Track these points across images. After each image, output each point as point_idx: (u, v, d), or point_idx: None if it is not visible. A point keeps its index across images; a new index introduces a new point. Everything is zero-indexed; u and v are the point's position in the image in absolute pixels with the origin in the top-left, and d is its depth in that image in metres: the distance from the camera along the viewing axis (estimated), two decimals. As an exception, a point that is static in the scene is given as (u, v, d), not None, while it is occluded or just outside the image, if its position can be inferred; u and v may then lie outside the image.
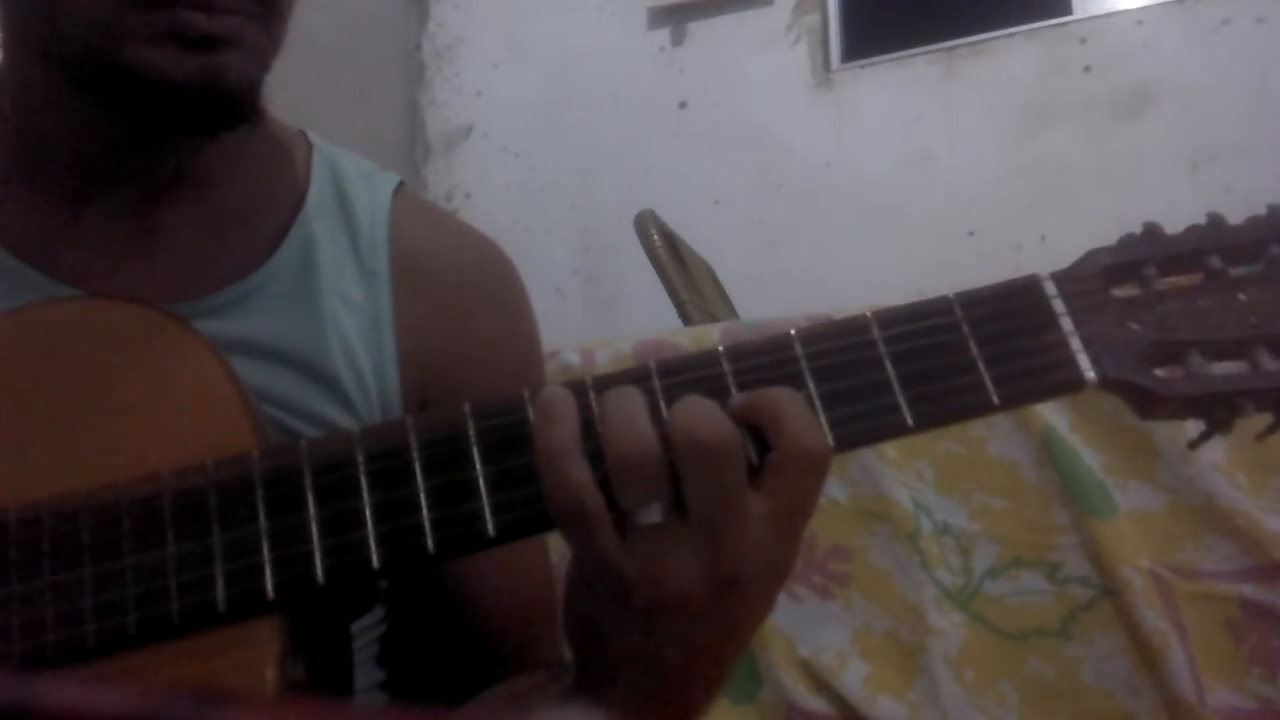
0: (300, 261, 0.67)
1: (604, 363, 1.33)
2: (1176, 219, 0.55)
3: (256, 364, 0.63)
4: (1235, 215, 0.54)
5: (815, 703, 1.20)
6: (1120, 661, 1.12)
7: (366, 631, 0.70)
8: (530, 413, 0.49)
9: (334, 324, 0.66)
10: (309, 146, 0.73)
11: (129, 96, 0.59)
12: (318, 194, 0.70)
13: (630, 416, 0.46)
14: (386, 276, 0.69)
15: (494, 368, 0.71)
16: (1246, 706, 1.07)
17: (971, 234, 2.92)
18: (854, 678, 1.19)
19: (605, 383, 0.50)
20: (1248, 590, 1.10)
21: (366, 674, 0.71)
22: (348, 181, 0.71)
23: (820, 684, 1.20)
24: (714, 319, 1.84)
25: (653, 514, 0.46)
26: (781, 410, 0.47)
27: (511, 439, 0.49)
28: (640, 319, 2.04)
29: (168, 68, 0.57)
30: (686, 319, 1.83)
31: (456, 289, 0.71)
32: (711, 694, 0.52)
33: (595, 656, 0.50)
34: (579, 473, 0.46)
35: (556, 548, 0.71)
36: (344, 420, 0.66)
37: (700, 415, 0.46)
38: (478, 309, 0.71)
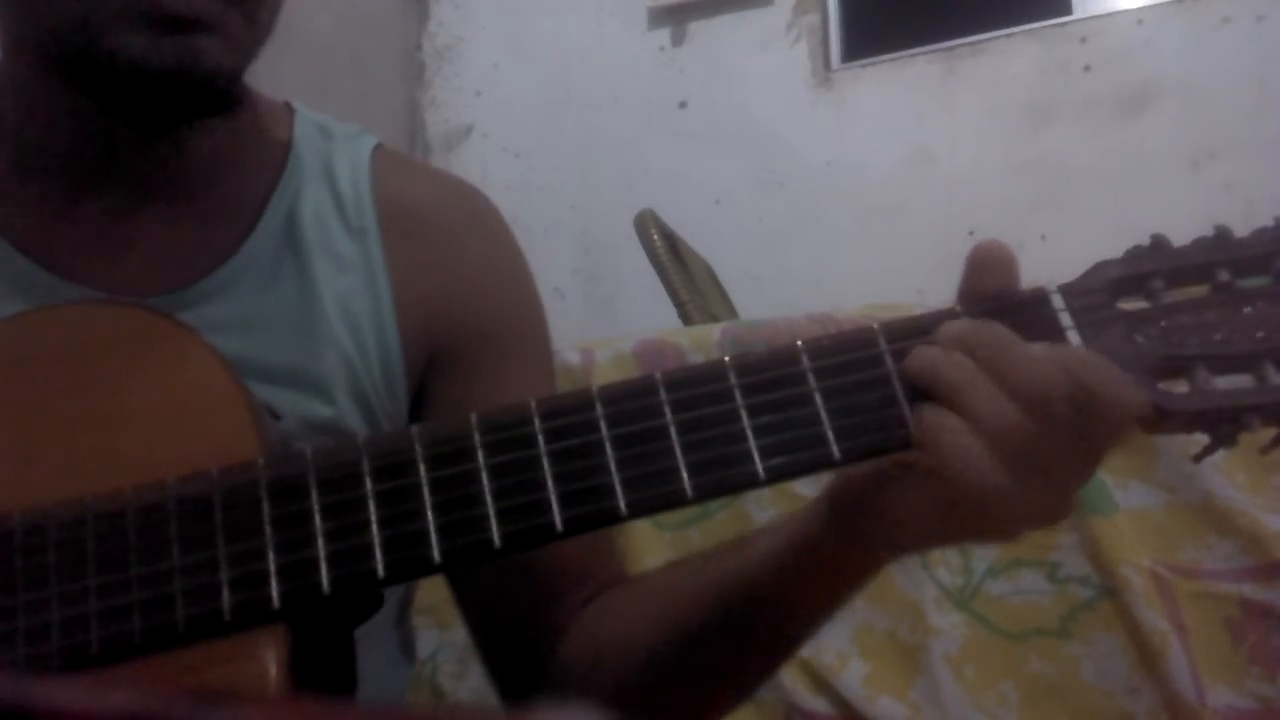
0: (284, 230, 0.67)
1: (604, 362, 1.32)
2: (1177, 217, 0.55)
3: (255, 338, 0.63)
4: (1236, 213, 0.54)
5: (815, 702, 1.20)
6: (1120, 661, 1.12)
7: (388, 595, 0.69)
8: (536, 424, 0.49)
9: (328, 285, 0.67)
10: (291, 113, 0.73)
11: (108, 83, 0.59)
12: (301, 160, 0.70)
13: (997, 399, 0.48)
14: (375, 231, 0.69)
15: (494, 300, 0.71)
16: (1246, 706, 1.07)
17: (972, 233, 2.91)
18: (854, 677, 1.19)
19: (611, 394, 0.50)
20: (1247, 590, 1.10)
21: (382, 653, 0.70)
22: (330, 144, 0.72)
23: (820, 683, 1.20)
24: (714, 319, 1.84)
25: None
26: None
27: (517, 448, 0.49)
28: (640, 319, 2.03)
29: (142, 50, 0.57)
30: (686, 319, 1.83)
31: (443, 232, 0.71)
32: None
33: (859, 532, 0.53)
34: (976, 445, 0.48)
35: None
36: (347, 381, 0.65)
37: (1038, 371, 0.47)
38: (467, 247, 0.72)
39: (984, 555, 1.19)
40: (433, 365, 0.69)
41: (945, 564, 1.20)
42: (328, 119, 0.74)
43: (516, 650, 0.69)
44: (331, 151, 0.71)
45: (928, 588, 1.19)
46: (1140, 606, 1.10)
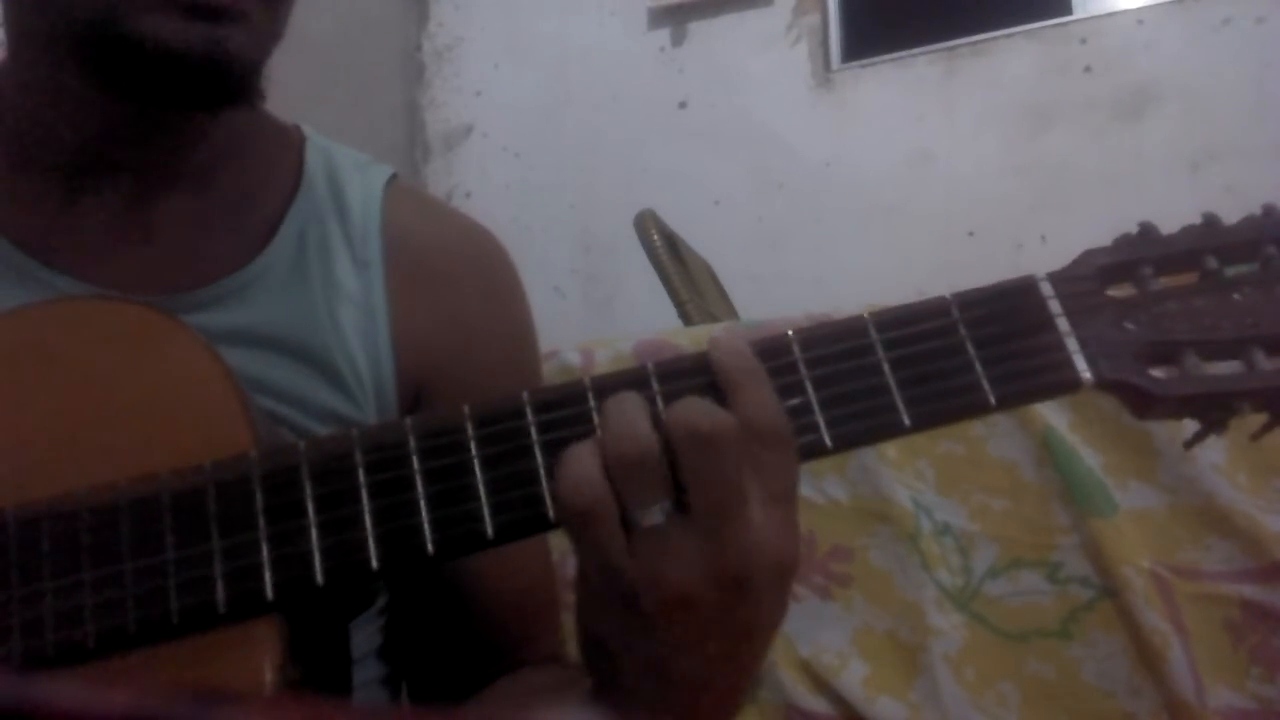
0: (295, 252, 0.68)
1: (604, 363, 1.32)
2: (1177, 219, 0.55)
3: (254, 354, 0.64)
4: (1235, 216, 0.54)
5: (815, 703, 1.20)
6: (1121, 662, 1.12)
7: (368, 624, 0.70)
8: (529, 416, 0.49)
9: (328, 312, 0.67)
10: (303, 139, 0.73)
11: (132, 69, 0.59)
12: (311, 185, 0.70)
13: (629, 418, 0.46)
14: (379, 265, 0.69)
15: (488, 351, 0.71)
16: (1246, 706, 1.07)
17: (972, 234, 2.92)
18: (854, 678, 1.19)
19: (604, 385, 0.50)
20: (1248, 591, 1.10)
21: (368, 669, 0.71)
22: (341, 173, 0.72)
23: (820, 684, 1.20)
24: (714, 319, 1.84)
25: (655, 515, 0.45)
26: (735, 381, 0.48)
27: (510, 440, 0.49)
28: (640, 319, 2.03)
29: (170, 35, 0.57)
30: (686, 319, 1.83)
31: (448, 275, 0.71)
32: (733, 703, 0.50)
33: (606, 670, 0.50)
34: (587, 468, 0.46)
35: (557, 546, 0.71)
36: (342, 406, 0.66)
37: (697, 408, 0.46)
38: (470, 294, 0.72)
39: (984, 556, 1.19)
40: (419, 402, 0.70)
41: (945, 565, 1.20)
42: (336, 145, 0.74)
43: (437, 690, 0.70)
44: (341, 179, 0.71)
45: (928, 588, 1.19)
46: (1141, 607, 1.10)
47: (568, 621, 0.73)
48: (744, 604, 0.46)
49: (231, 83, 0.60)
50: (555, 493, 0.46)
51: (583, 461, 0.46)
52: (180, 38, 0.57)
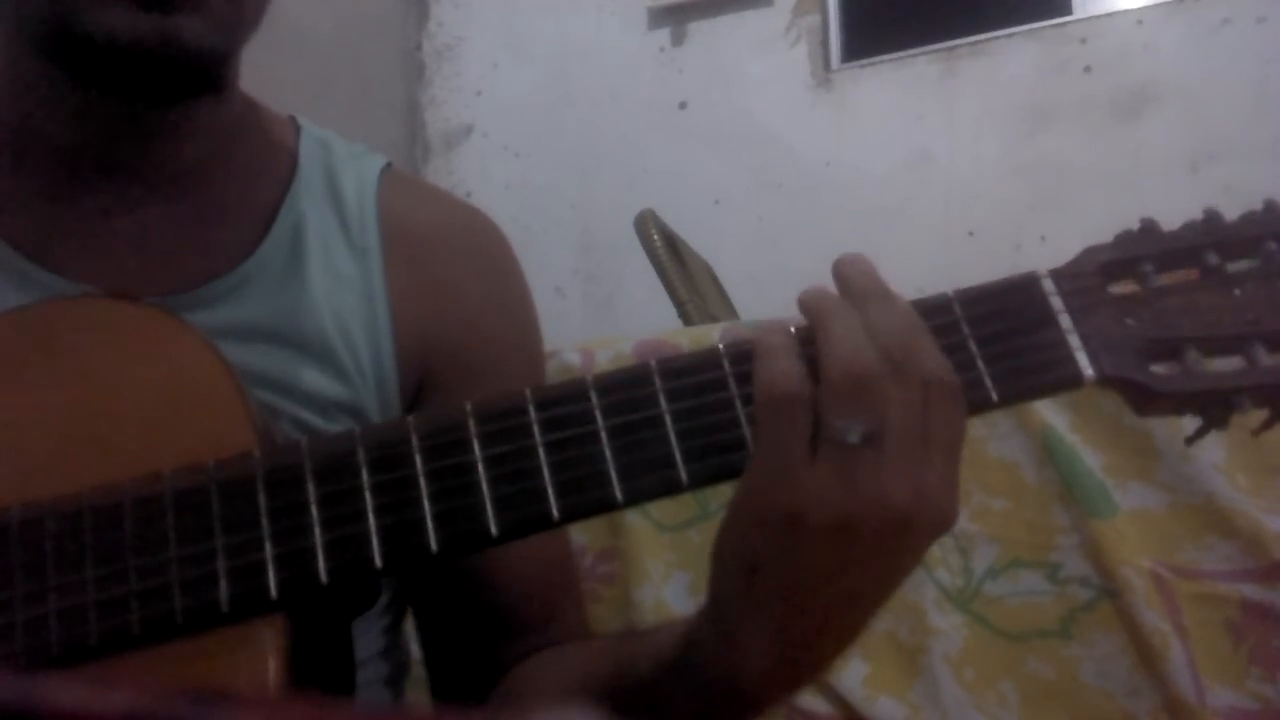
0: (291, 243, 0.67)
1: (604, 363, 1.32)
2: (1176, 219, 0.55)
3: (255, 348, 0.63)
4: (1236, 215, 0.54)
5: (815, 703, 1.20)
6: (1120, 662, 1.12)
7: (372, 625, 0.69)
8: (532, 413, 0.49)
9: (327, 301, 0.67)
10: (297, 129, 0.73)
11: (88, 62, 0.59)
12: (306, 175, 0.70)
13: (860, 335, 0.47)
14: (376, 251, 0.69)
15: (489, 331, 0.71)
16: (1246, 706, 1.07)
17: (971, 234, 2.92)
18: (854, 678, 1.19)
19: (607, 383, 0.50)
20: (1248, 590, 1.10)
21: (371, 669, 0.71)
22: (336, 162, 0.72)
23: (820, 683, 1.20)
24: (714, 319, 1.84)
25: (854, 434, 0.45)
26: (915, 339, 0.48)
27: (513, 438, 0.49)
28: (640, 319, 2.04)
29: (121, 29, 0.57)
30: (686, 319, 1.83)
31: (446, 257, 0.71)
32: (839, 652, 0.51)
33: (743, 593, 0.49)
34: (793, 364, 0.46)
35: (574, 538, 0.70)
36: (344, 396, 0.66)
37: (921, 344, 0.47)
38: (468, 274, 0.72)
39: (984, 556, 1.19)
40: (423, 388, 0.70)
41: (945, 565, 1.20)
42: (331, 135, 0.74)
43: (462, 679, 0.69)
44: (336, 168, 0.71)
45: (928, 588, 1.19)
46: (1140, 607, 1.10)
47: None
48: (898, 546, 0.47)
49: (191, 74, 0.60)
50: (757, 375, 0.47)
51: (789, 355, 0.46)
52: (131, 30, 0.57)
